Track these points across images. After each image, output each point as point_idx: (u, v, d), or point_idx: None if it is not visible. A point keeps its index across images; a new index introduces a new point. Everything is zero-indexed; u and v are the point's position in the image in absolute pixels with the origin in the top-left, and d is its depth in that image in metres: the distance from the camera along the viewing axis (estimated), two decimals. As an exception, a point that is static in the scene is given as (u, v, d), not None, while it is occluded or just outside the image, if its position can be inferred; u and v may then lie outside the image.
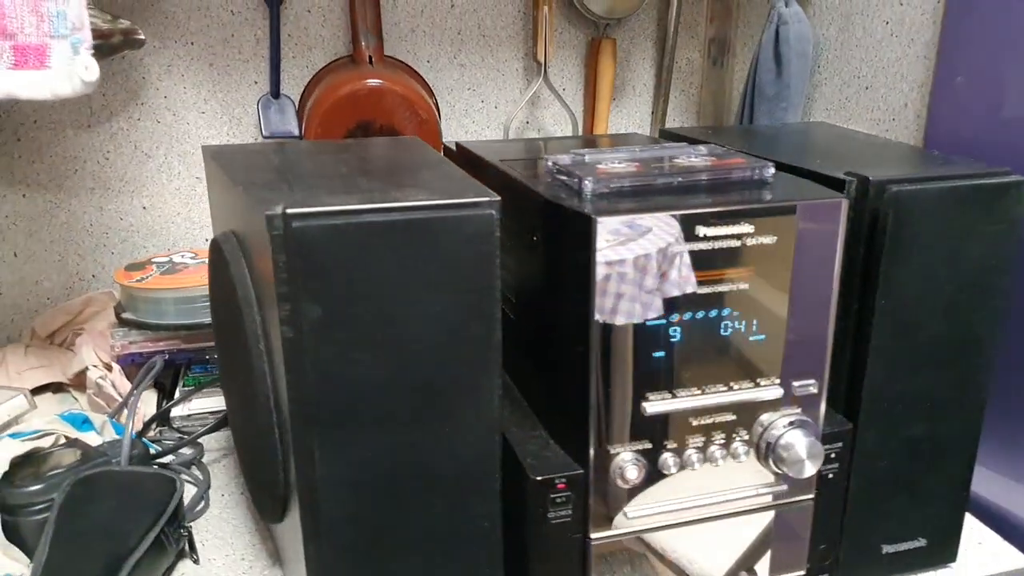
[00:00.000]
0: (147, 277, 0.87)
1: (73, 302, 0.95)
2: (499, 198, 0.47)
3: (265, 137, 0.95)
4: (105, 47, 0.85)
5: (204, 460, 0.79)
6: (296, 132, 0.95)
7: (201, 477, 0.75)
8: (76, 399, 0.88)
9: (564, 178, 0.53)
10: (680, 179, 0.52)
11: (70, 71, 0.62)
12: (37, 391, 0.87)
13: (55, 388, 0.89)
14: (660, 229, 0.46)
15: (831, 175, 0.54)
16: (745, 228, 0.47)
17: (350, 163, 0.58)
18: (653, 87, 1.09)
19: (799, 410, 0.52)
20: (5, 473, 0.63)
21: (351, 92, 0.89)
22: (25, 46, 0.62)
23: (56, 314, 0.95)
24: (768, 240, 0.48)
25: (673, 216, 0.46)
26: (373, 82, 0.90)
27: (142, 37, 0.86)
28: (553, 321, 0.52)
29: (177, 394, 0.86)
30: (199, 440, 0.79)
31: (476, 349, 0.48)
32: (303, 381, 0.46)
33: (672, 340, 0.49)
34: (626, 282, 0.47)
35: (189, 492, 0.73)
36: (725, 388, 0.50)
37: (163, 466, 0.75)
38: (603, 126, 1.04)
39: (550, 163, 0.55)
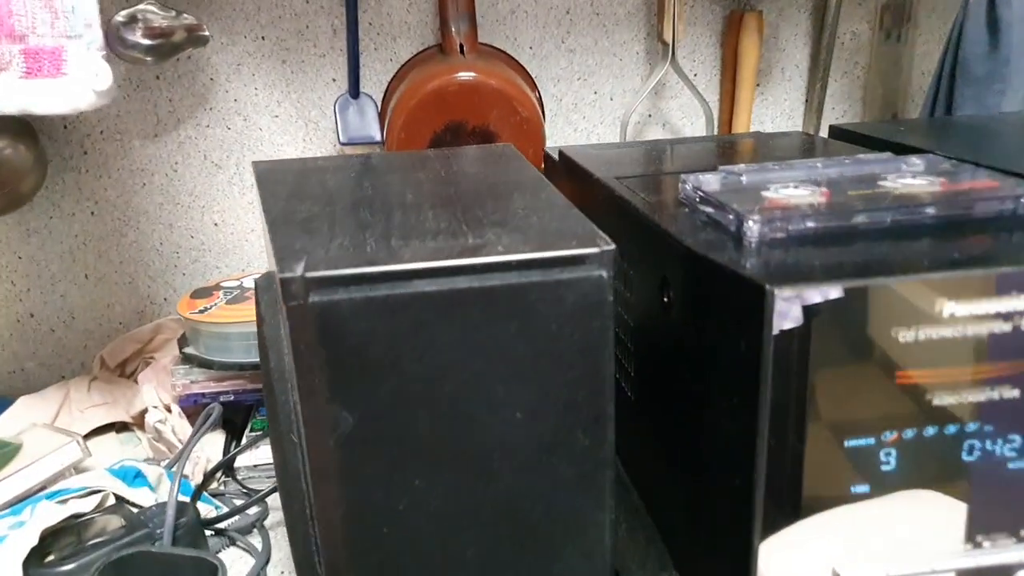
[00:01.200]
0: (212, 306, 0.76)
1: (142, 329, 0.87)
2: (612, 247, 0.31)
3: (343, 144, 0.82)
4: (166, 46, 0.75)
5: (267, 523, 0.67)
6: (377, 137, 0.81)
7: (260, 547, 0.64)
8: (140, 440, 0.79)
9: (712, 211, 0.36)
10: (894, 216, 0.34)
11: (86, 77, 0.50)
12: (101, 430, 0.78)
13: (120, 427, 0.80)
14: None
15: None
16: (1020, 303, 0.29)
17: (422, 187, 0.44)
18: (807, 69, 0.89)
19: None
20: (37, 545, 0.55)
21: (438, 89, 0.75)
22: (38, 50, 0.51)
23: (125, 343, 0.86)
24: (1057, 320, 0.30)
25: (898, 286, 0.29)
26: (464, 76, 0.75)
27: (207, 34, 0.75)
28: (695, 419, 0.36)
29: (244, 440, 0.75)
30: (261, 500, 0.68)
31: (580, 465, 0.33)
32: (331, 520, 0.32)
33: (883, 469, 0.31)
34: (817, 378, 0.30)
35: (245, 565, 0.61)
36: (966, 544, 0.32)
37: (219, 532, 0.65)
38: (745, 118, 0.85)
39: (690, 187, 0.39)
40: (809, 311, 0.29)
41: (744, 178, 0.38)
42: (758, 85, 0.89)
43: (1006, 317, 0.29)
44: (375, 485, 0.32)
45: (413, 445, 0.32)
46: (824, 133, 0.89)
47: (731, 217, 0.34)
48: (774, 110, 0.91)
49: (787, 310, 0.29)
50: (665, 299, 0.37)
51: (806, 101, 0.90)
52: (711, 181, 0.38)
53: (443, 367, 0.31)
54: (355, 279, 0.31)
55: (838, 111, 0.92)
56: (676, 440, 0.39)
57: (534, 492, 0.32)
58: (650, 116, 0.89)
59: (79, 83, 0.51)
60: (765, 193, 0.36)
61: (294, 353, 0.32)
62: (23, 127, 0.80)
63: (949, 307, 0.29)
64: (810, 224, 0.33)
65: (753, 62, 0.83)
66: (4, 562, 0.54)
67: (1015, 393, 0.31)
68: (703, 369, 0.34)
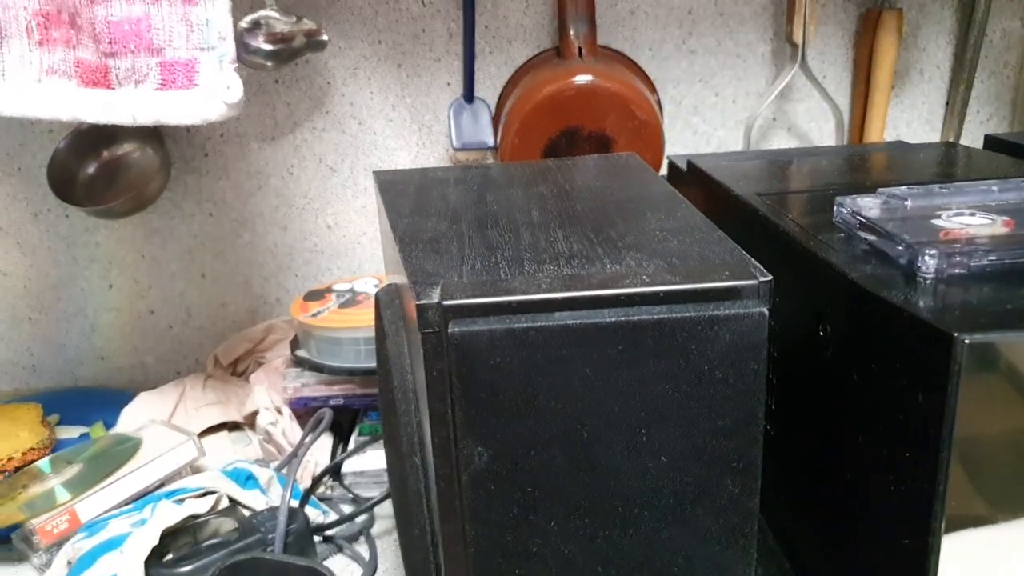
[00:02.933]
0: (324, 310, 0.77)
1: (255, 329, 0.88)
2: (769, 279, 0.29)
3: (456, 149, 0.81)
4: (286, 51, 0.76)
5: (374, 531, 0.67)
6: (491, 142, 0.80)
7: (367, 556, 0.64)
8: (251, 439, 0.81)
9: (876, 240, 0.33)
10: (1097, 250, 0.30)
11: (217, 89, 0.51)
12: (214, 428, 0.80)
13: (231, 426, 0.82)
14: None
15: None
16: None
17: (547, 202, 0.42)
18: (950, 70, 0.83)
19: None
20: (158, 544, 0.56)
21: (554, 93, 0.73)
22: (173, 63, 0.52)
23: (238, 342, 0.88)
24: None
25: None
26: (581, 79, 0.73)
27: (325, 38, 0.75)
28: (850, 468, 0.33)
29: (351, 444, 0.75)
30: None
31: (725, 517, 0.30)
32: (458, 555, 0.30)
33: (1082, 539, 0.28)
34: (1007, 437, 0.27)
35: (352, 574, 0.61)
36: None
37: (327, 539, 0.65)
38: (880, 124, 0.80)
39: (847, 211, 0.35)
40: (1006, 359, 0.26)
41: (909, 203, 0.35)
42: (894, 87, 0.83)
43: None
44: (507, 524, 0.30)
45: (549, 486, 0.30)
46: (968, 140, 0.83)
47: (901, 248, 0.31)
48: (910, 114, 0.85)
49: (978, 360, 0.26)
50: (821, 333, 0.34)
51: (947, 104, 0.84)
52: (871, 205, 0.35)
53: (583, 406, 0.29)
54: (494, 308, 0.29)
55: (983, 115, 0.85)
56: (824, 486, 0.36)
57: (674, 543, 0.30)
58: (775, 120, 0.85)
59: (211, 95, 0.51)
60: (937, 222, 0.32)
61: (427, 381, 0.31)
62: (150, 131, 0.83)
63: None
64: (993, 259, 0.30)
65: (890, 63, 0.78)
66: (128, 559, 0.55)
67: None
68: (864, 415, 0.31)
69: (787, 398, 0.39)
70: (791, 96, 0.84)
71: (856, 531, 0.33)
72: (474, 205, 0.43)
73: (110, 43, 0.50)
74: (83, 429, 0.82)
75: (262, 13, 0.73)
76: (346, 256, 0.89)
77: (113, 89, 0.53)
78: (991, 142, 0.55)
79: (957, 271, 0.30)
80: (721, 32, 0.81)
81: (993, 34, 0.82)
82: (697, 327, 0.29)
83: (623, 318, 0.29)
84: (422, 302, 0.29)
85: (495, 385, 0.29)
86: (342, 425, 0.78)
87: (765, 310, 0.28)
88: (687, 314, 0.29)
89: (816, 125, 0.84)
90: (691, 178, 0.54)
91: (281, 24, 0.75)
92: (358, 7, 0.80)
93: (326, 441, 0.77)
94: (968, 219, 0.33)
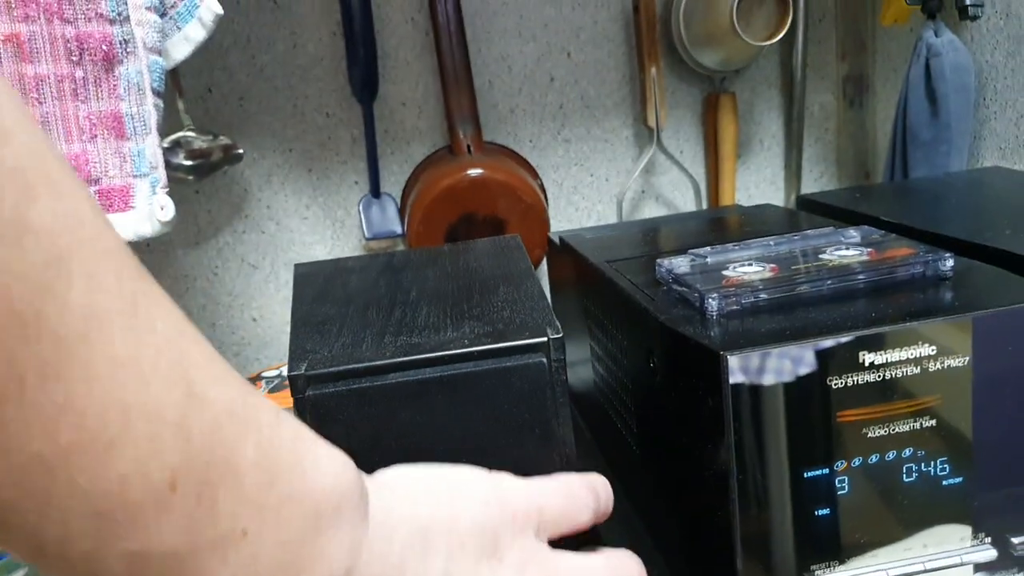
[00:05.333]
0: (257, 396, 0.84)
1: (192, 421, 0.94)
2: (559, 335, 0.39)
3: (368, 239, 0.91)
4: (206, 166, 0.85)
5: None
6: (399, 231, 0.90)
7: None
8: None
9: (682, 290, 0.44)
10: (829, 284, 0.41)
11: (150, 211, 0.59)
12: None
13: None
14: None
15: (1030, 256, 0.42)
16: (925, 350, 0.36)
17: (427, 283, 0.52)
18: (783, 138, 0.98)
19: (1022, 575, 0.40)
20: None
21: (451, 186, 0.84)
22: (110, 189, 0.60)
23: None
24: (958, 362, 0.37)
25: (827, 343, 0.36)
26: (473, 173, 0.84)
27: (241, 152, 0.85)
28: (683, 468, 0.43)
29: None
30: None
31: None
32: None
33: (839, 494, 0.38)
34: (770, 423, 0.37)
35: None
36: (915, 552, 0.39)
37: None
38: (730, 188, 0.94)
39: (664, 270, 0.46)
40: (760, 367, 0.36)
41: (709, 259, 0.46)
42: (740, 157, 0.97)
43: (915, 362, 0.36)
44: None
45: None
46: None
47: (696, 295, 0.42)
48: (757, 177, 0.99)
49: (740, 370, 0.36)
50: (651, 365, 0.44)
51: (786, 167, 0.99)
52: (681, 264, 0.46)
53: (417, 445, 0.37)
54: (342, 375, 0.38)
55: (816, 172, 1.00)
56: (671, 484, 0.46)
57: None
58: (643, 192, 0.98)
59: (144, 215, 0.60)
60: (725, 272, 0.44)
61: None
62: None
63: (869, 356, 0.36)
64: (760, 297, 0.41)
65: (731, 138, 0.92)
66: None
67: (932, 422, 0.37)
68: (682, 421, 0.41)
69: (642, 421, 0.49)
70: (655, 171, 0.97)
71: (689, 506, 0.43)
72: (367, 290, 0.52)
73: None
74: None
75: (181, 134, 0.82)
76: (273, 346, 0.97)
77: (54, 215, 0.61)
78: (802, 203, 0.68)
79: (734, 307, 0.41)
80: (589, 122, 0.95)
81: (812, 107, 0.98)
82: (496, 376, 0.38)
83: (440, 374, 0.38)
84: (292, 373, 0.38)
85: (347, 434, 0.37)
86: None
87: (546, 360, 0.38)
88: (487, 367, 0.38)
89: (679, 194, 0.98)
90: (563, 250, 0.65)
91: (199, 142, 0.84)
92: (268, 123, 0.90)
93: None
94: (747, 268, 0.44)
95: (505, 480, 0.36)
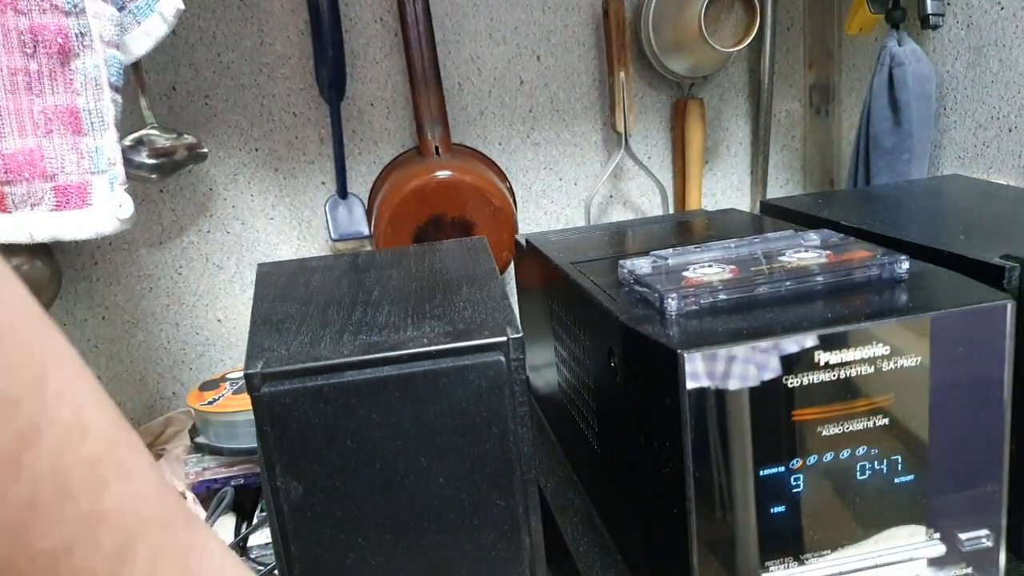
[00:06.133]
0: (219, 398, 0.83)
1: (153, 423, 0.93)
2: (518, 335, 0.38)
3: (334, 240, 0.90)
4: (169, 164, 0.83)
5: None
6: (366, 232, 0.90)
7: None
8: (156, 528, 0.84)
9: (643, 291, 0.44)
10: (788, 285, 0.42)
11: (109, 208, 0.58)
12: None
13: (135, 517, 0.86)
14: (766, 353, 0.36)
15: (982, 259, 0.43)
16: (879, 350, 0.37)
17: (390, 283, 0.52)
18: (750, 144, 0.99)
19: (970, 570, 0.40)
20: None
21: (418, 187, 0.83)
22: (67, 186, 0.59)
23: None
24: (911, 362, 0.37)
25: (784, 343, 0.36)
26: (441, 175, 0.84)
27: (205, 150, 0.83)
28: (642, 467, 0.43)
29: (255, 519, 0.81)
30: (272, 580, 0.73)
31: (498, 526, 0.39)
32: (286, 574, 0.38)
33: (795, 491, 0.38)
34: (727, 421, 0.37)
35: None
36: (869, 548, 0.39)
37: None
38: (696, 194, 0.94)
39: (626, 271, 0.46)
40: (718, 366, 0.36)
41: (670, 261, 0.46)
42: (707, 162, 0.98)
43: (869, 362, 0.37)
44: (323, 545, 0.38)
45: (354, 510, 0.38)
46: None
47: (656, 296, 0.42)
48: (724, 183, 1.00)
49: (698, 368, 0.36)
50: (612, 364, 0.44)
51: (751, 173, 1.00)
52: (643, 265, 0.46)
53: (374, 443, 0.37)
54: (297, 373, 0.37)
55: (782, 179, 1.01)
56: (631, 483, 0.46)
57: (460, 551, 0.39)
58: (611, 197, 0.98)
59: (103, 212, 0.59)
60: (685, 273, 0.44)
61: (258, 434, 0.39)
62: (39, 245, 0.88)
63: (825, 356, 0.37)
64: (719, 297, 0.41)
65: (699, 144, 0.93)
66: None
67: (886, 421, 0.38)
68: (642, 421, 0.41)
69: (603, 420, 0.49)
70: (623, 175, 0.97)
71: (647, 504, 0.43)
72: (330, 289, 0.52)
73: (5, 172, 0.57)
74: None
75: (144, 132, 0.81)
76: (237, 347, 0.95)
77: (10, 212, 0.59)
78: (765, 207, 0.68)
79: (693, 307, 0.41)
80: (559, 126, 0.95)
81: (780, 115, 0.99)
82: (454, 374, 0.37)
83: (397, 372, 0.38)
84: (248, 371, 0.38)
85: (302, 432, 0.37)
86: (244, 504, 0.83)
87: (504, 359, 0.38)
88: (446, 365, 0.38)
89: (646, 199, 0.98)
90: (529, 253, 0.65)
91: (163, 140, 0.83)
92: (235, 121, 0.89)
93: (229, 522, 0.82)
94: (707, 270, 0.44)
95: None
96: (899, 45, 0.75)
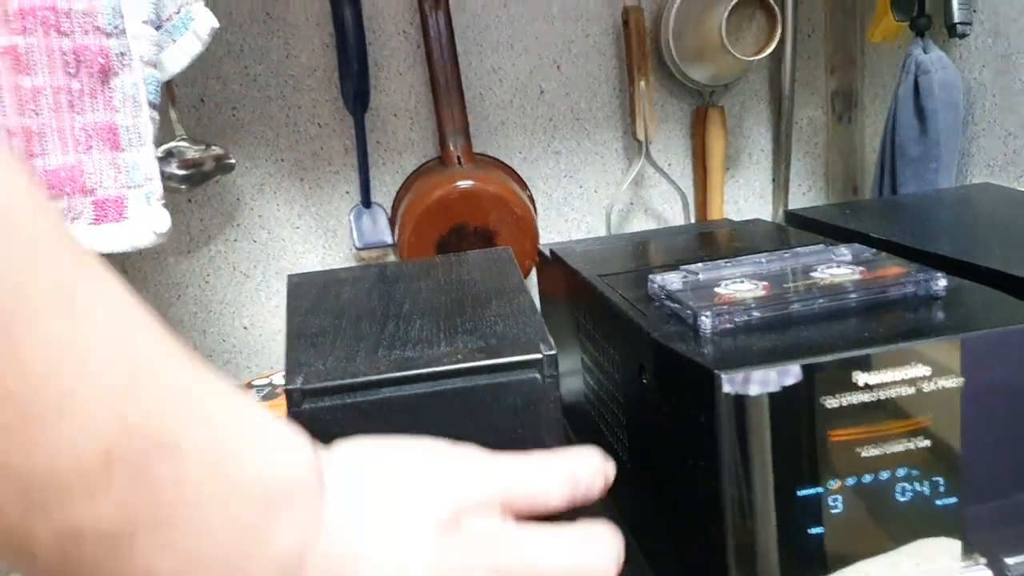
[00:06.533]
0: (246, 406, 0.83)
1: (180, 431, 0.94)
2: (553, 352, 0.39)
3: (359, 248, 0.91)
4: (198, 175, 0.84)
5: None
6: (389, 240, 0.90)
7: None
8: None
9: (675, 307, 0.44)
10: (821, 302, 0.42)
11: (145, 222, 0.59)
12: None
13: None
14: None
15: (1020, 275, 0.43)
16: (919, 371, 0.37)
17: (420, 296, 0.52)
18: (772, 152, 0.99)
19: (1013, 591, 0.40)
20: None
21: (441, 197, 0.84)
22: (104, 200, 0.60)
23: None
24: (952, 382, 0.37)
25: (821, 363, 0.37)
26: (463, 184, 0.84)
27: (232, 161, 0.84)
28: (675, 483, 0.43)
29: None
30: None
31: None
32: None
33: (833, 512, 0.38)
34: (764, 441, 0.37)
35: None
36: (907, 570, 0.39)
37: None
38: (718, 201, 0.94)
39: (656, 286, 0.47)
40: (753, 387, 0.37)
41: (701, 276, 0.46)
42: (728, 170, 0.98)
43: (909, 382, 0.37)
44: None
45: None
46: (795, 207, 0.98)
47: (688, 312, 0.42)
48: (746, 191, 1.00)
49: (734, 389, 0.36)
50: (644, 381, 0.45)
51: (773, 180, 0.99)
52: (673, 280, 0.46)
53: None
54: (337, 389, 0.38)
55: (804, 186, 1.01)
56: (664, 498, 0.46)
57: None
58: (632, 204, 0.98)
59: (140, 226, 0.59)
60: (717, 289, 0.44)
61: None
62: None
63: (863, 377, 0.37)
64: (753, 315, 0.41)
65: (720, 152, 0.93)
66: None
67: (927, 442, 0.38)
68: (676, 438, 0.42)
69: (634, 434, 0.50)
70: (644, 183, 0.98)
71: (681, 521, 0.43)
72: (360, 301, 0.52)
73: (49, 188, 0.58)
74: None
75: (174, 143, 0.82)
76: (263, 354, 0.96)
77: (46, 225, 0.60)
78: (791, 218, 0.68)
79: (727, 326, 0.41)
80: (580, 134, 0.95)
81: (801, 122, 0.99)
82: (489, 392, 0.37)
83: (431, 389, 0.38)
84: (288, 387, 0.38)
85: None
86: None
87: (539, 376, 0.38)
88: (481, 383, 0.38)
89: (668, 206, 0.98)
90: (554, 264, 0.65)
91: (192, 151, 0.84)
92: (261, 132, 0.90)
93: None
94: (739, 286, 0.44)
95: (472, 456, 0.35)
96: (925, 53, 0.75)
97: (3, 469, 0.21)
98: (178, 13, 0.56)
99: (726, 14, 0.79)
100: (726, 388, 0.36)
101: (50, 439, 0.21)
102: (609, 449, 0.56)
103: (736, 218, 0.96)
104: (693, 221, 0.97)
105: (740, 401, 0.37)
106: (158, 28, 0.55)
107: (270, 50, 0.87)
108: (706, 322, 0.41)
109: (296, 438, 0.30)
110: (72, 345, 0.22)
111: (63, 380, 0.22)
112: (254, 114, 0.89)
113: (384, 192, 0.93)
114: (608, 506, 0.40)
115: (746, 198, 1.00)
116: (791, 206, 0.98)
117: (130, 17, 0.52)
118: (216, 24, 0.58)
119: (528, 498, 0.35)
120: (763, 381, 0.37)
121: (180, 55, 0.57)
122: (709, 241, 0.63)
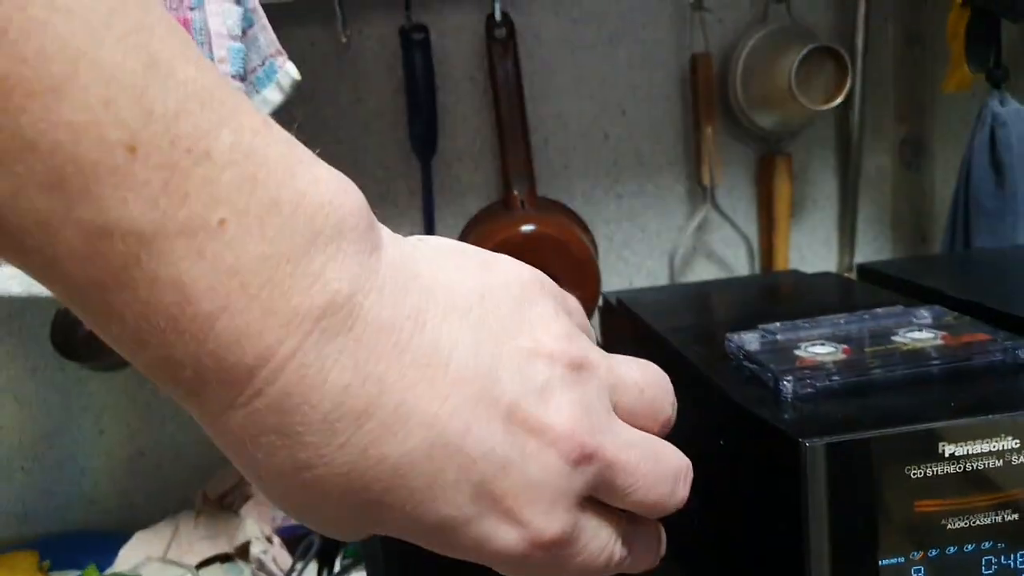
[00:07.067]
0: (308, 443, 0.85)
1: (241, 464, 0.95)
2: None
3: (420, 289, 0.92)
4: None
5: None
6: (451, 282, 0.91)
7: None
8: (243, 569, 0.86)
9: (754, 368, 0.44)
10: (904, 368, 0.41)
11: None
12: (206, 562, 0.86)
13: (223, 558, 0.88)
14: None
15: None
16: (1008, 443, 0.36)
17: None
18: (838, 199, 0.98)
19: None
20: None
21: (504, 240, 0.85)
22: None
23: (225, 476, 0.95)
24: (1045, 457, 0.36)
25: (907, 433, 0.36)
26: (526, 228, 0.85)
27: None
28: (753, 551, 0.42)
29: (336, 566, 0.82)
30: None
31: None
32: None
33: (917, 585, 0.37)
34: (848, 510, 0.37)
35: None
36: (998, 650, 0.38)
37: (322, 658, 0.71)
38: (783, 249, 0.93)
39: (734, 345, 0.46)
40: (839, 456, 0.36)
41: (779, 336, 0.46)
42: (793, 216, 0.97)
43: (997, 455, 0.36)
44: None
45: (449, 565, 0.38)
46: (860, 257, 0.97)
47: (769, 375, 0.41)
48: (810, 238, 0.99)
49: (819, 458, 0.36)
50: (720, 443, 0.44)
51: (839, 229, 0.98)
52: (752, 340, 0.46)
53: None
54: None
55: (869, 236, 1.00)
56: (740, 564, 0.45)
57: None
58: (695, 250, 0.98)
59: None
60: (797, 352, 0.43)
61: None
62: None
63: (949, 448, 0.36)
64: (834, 380, 0.41)
65: (786, 200, 0.92)
66: None
67: (1015, 516, 0.37)
68: (755, 506, 0.41)
69: (706, 496, 0.49)
70: (707, 228, 0.97)
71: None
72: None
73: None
74: (75, 573, 0.87)
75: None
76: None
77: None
78: (863, 272, 0.67)
79: (808, 391, 0.40)
80: (643, 178, 0.95)
81: (869, 169, 0.97)
82: None
83: None
84: None
85: None
86: (330, 551, 0.85)
87: None
88: None
89: (731, 252, 0.98)
90: (620, 312, 0.65)
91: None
92: (329, 173, 0.92)
93: (312, 570, 0.83)
94: (819, 348, 0.44)
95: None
96: (1001, 105, 0.74)
97: (24, 143, 0.19)
98: (262, 65, 0.58)
99: (796, 63, 0.79)
100: (810, 456, 0.36)
101: (66, 107, 0.19)
102: (677, 512, 0.55)
103: (800, 266, 0.95)
104: (757, 268, 0.96)
105: (824, 470, 0.36)
106: (243, 79, 0.57)
107: (340, 94, 0.90)
108: (788, 386, 0.40)
109: (347, 181, 0.26)
110: (84, 10, 0.20)
111: (74, 42, 0.19)
112: (323, 157, 0.91)
113: (447, 234, 0.94)
114: (673, 567, 0.40)
115: (810, 245, 0.99)
116: (858, 255, 0.96)
117: (219, 71, 0.54)
118: (298, 76, 0.60)
119: (644, 397, 0.33)
120: (848, 450, 0.36)
121: (263, 105, 0.58)
122: (780, 295, 0.63)
